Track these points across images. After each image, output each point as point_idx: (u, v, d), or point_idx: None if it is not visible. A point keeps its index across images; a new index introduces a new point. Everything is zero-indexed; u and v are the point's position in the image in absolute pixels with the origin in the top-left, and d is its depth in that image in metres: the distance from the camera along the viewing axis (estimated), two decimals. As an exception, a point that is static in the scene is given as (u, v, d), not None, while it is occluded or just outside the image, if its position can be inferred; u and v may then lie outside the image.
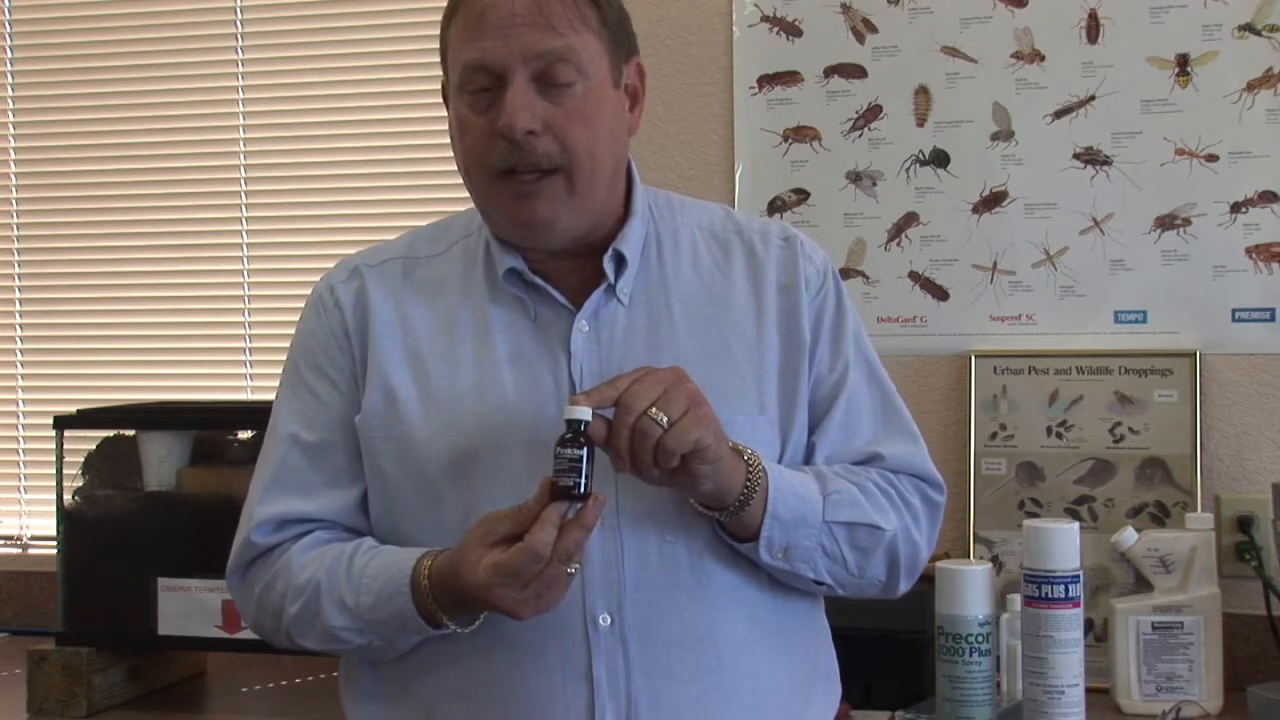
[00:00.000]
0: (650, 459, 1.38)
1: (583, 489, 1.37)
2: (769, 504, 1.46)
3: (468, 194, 1.56)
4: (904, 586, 1.60)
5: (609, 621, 1.47)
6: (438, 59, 1.56)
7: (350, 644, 1.51)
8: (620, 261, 1.54)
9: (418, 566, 1.46)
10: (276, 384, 1.65)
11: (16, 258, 3.01)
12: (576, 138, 1.46)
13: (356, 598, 1.48)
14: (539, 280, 1.53)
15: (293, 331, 1.65)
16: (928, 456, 1.63)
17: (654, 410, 1.37)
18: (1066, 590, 1.91)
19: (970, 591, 1.94)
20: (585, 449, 1.37)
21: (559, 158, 1.46)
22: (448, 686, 1.50)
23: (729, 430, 1.45)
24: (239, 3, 2.88)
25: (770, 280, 1.59)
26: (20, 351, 3.01)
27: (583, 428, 1.37)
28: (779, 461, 1.54)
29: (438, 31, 1.55)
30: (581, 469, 1.36)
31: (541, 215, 1.48)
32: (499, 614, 1.41)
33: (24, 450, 3.00)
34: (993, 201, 2.46)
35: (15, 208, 3.01)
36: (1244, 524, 2.30)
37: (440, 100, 1.59)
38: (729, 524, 1.48)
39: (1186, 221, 2.39)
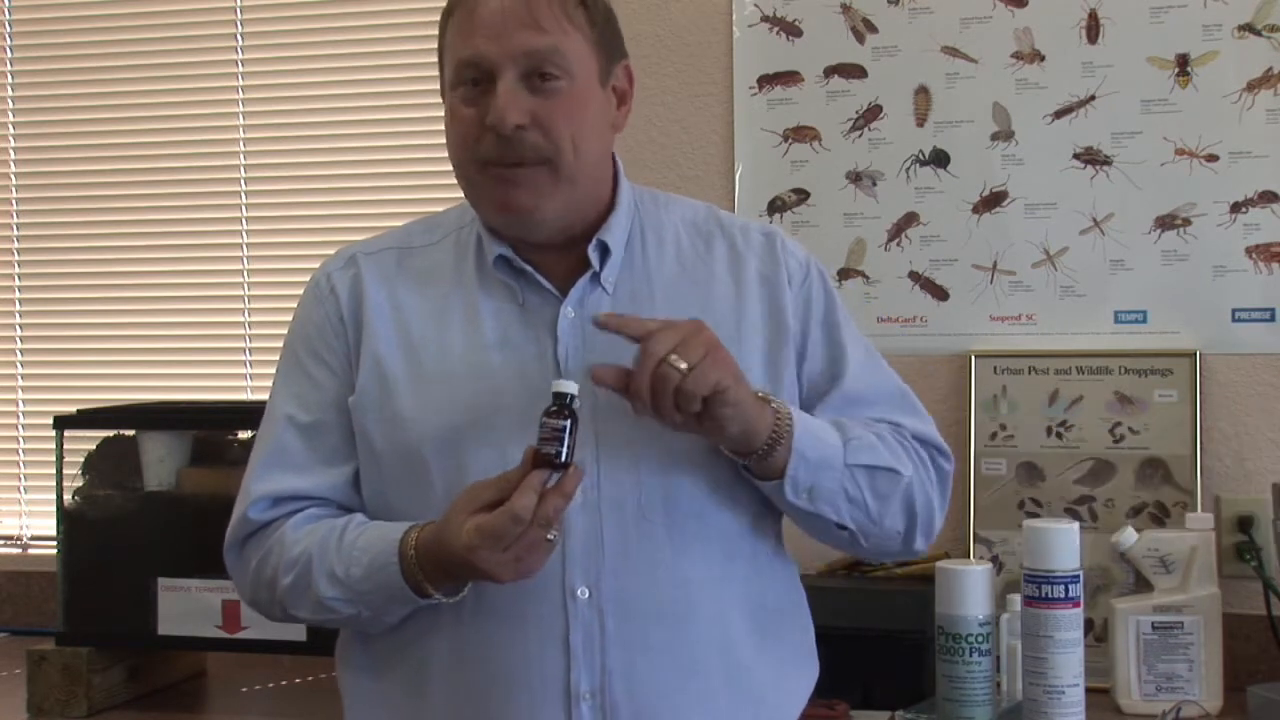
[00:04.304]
0: (671, 403, 1.43)
1: (564, 458, 1.42)
2: (795, 443, 1.51)
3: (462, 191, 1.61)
4: (920, 544, 1.64)
5: (587, 594, 1.51)
6: (437, 59, 1.60)
7: (341, 614, 1.56)
8: (604, 251, 1.59)
9: (405, 538, 1.50)
10: (276, 379, 1.69)
11: (16, 258, 3.01)
12: (561, 132, 1.52)
13: (347, 569, 1.52)
14: (527, 267, 1.58)
15: (292, 330, 1.70)
16: (935, 428, 1.69)
17: (673, 356, 1.42)
18: (1066, 590, 1.91)
19: (970, 591, 1.94)
20: (569, 420, 1.43)
21: (545, 150, 1.52)
22: (433, 656, 1.55)
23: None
24: (239, 3, 2.89)
25: (751, 271, 1.63)
26: (20, 351, 3.02)
27: (568, 400, 1.43)
28: None
29: (437, 32, 1.60)
30: (564, 439, 1.42)
31: (524, 202, 1.53)
32: (482, 579, 1.47)
33: (24, 450, 3.00)
34: (993, 201, 2.46)
35: (15, 208, 3.01)
36: (1244, 524, 2.30)
37: (438, 100, 1.62)
38: (755, 467, 1.53)
39: (1186, 221, 2.39)
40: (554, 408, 1.43)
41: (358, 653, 1.62)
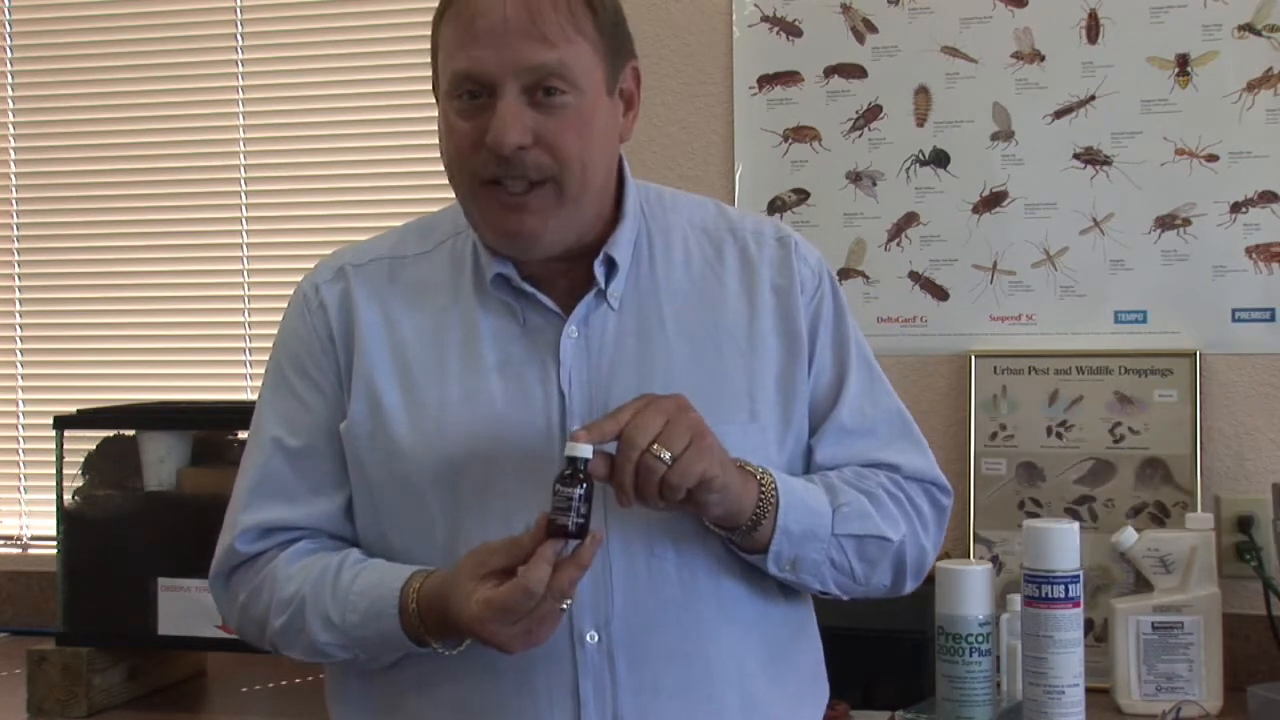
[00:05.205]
0: (655, 494, 1.37)
1: (579, 527, 1.35)
2: (779, 519, 1.45)
3: None
4: (910, 587, 1.60)
5: (596, 639, 1.45)
6: (430, 57, 1.52)
7: (336, 658, 1.51)
8: (611, 265, 1.51)
9: (405, 588, 1.44)
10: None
11: (16, 258, 3.01)
12: (569, 149, 1.43)
13: (343, 615, 1.46)
14: (528, 287, 1.50)
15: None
16: (934, 460, 1.62)
17: (656, 447, 1.35)
18: (1066, 590, 1.91)
19: (970, 591, 1.94)
20: (584, 487, 1.34)
21: (550, 168, 1.43)
22: (436, 703, 1.48)
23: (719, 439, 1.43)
24: (239, 3, 2.89)
25: (764, 281, 1.56)
26: (20, 351, 3.02)
27: (583, 465, 1.34)
28: (775, 468, 1.51)
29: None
30: (579, 507, 1.34)
31: (529, 228, 1.44)
32: (489, 648, 1.40)
33: (24, 450, 3.00)
34: (993, 201, 2.46)
35: (15, 208, 3.01)
36: (1244, 524, 2.30)
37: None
38: (740, 541, 1.47)
39: (1186, 221, 2.39)
40: (567, 472, 1.34)
41: (355, 691, 1.55)
